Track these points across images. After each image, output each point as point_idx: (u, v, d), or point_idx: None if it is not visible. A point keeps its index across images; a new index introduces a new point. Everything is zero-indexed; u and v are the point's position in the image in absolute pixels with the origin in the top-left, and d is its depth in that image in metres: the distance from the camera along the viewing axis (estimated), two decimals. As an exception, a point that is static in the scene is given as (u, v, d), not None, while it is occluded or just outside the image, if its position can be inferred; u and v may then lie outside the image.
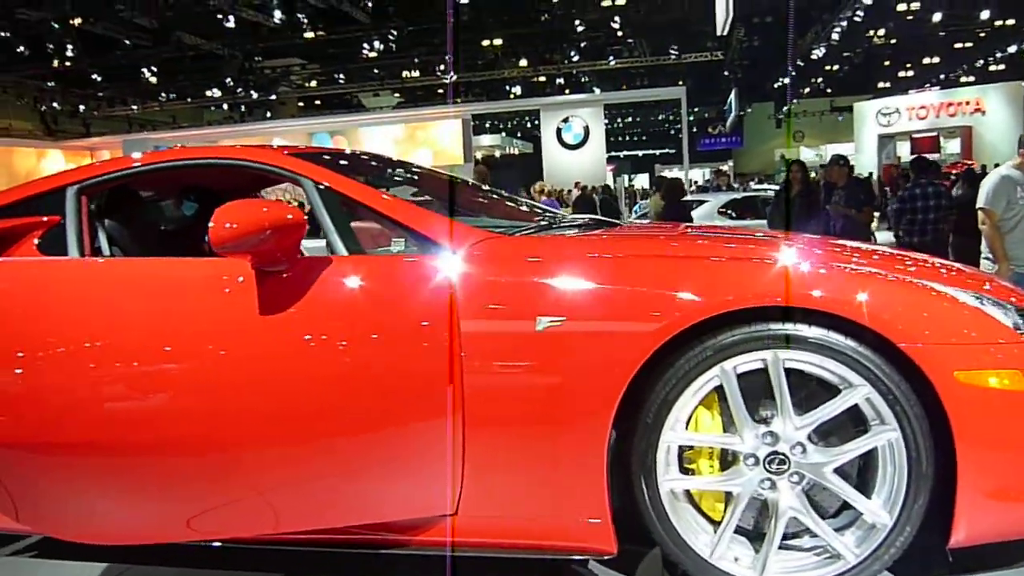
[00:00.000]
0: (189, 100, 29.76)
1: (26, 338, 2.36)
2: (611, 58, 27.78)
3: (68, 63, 22.48)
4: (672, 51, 26.62)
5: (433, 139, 27.73)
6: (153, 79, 25.95)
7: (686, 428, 2.17)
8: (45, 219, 2.70)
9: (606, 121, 44.21)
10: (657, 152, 44.08)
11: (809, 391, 2.10)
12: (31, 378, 2.33)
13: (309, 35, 23.87)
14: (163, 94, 28.43)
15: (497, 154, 37.91)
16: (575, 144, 27.37)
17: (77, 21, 19.66)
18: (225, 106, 31.40)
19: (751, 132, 41.90)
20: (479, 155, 37.18)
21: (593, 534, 2.16)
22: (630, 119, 43.90)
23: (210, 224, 2.09)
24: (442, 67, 27.89)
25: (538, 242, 2.39)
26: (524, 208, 3.32)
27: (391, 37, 23.89)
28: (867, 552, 2.09)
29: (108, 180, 2.75)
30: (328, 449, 2.22)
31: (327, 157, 2.77)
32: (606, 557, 2.16)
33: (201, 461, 2.24)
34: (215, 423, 2.21)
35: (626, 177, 34.34)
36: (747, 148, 42.16)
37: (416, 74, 28.99)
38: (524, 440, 2.17)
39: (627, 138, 47.57)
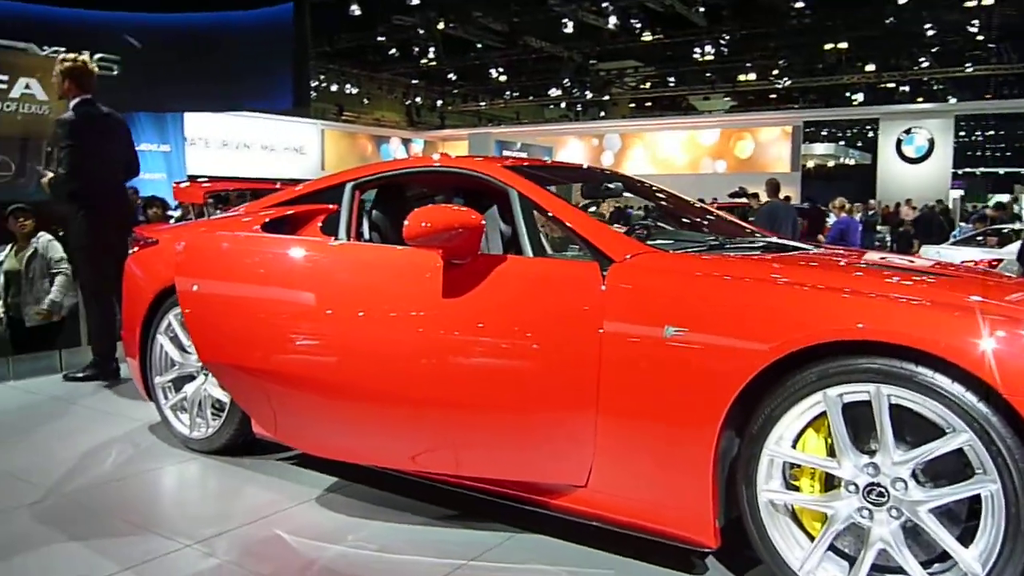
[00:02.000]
0: (531, 98, 32.04)
1: (298, 300, 3.11)
2: (968, 64, 25.03)
3: (430, 63, 25.50)
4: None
5: (753, 144, 27.16)
6: (501, 78, 28.44)
7: (793, 447, 2.29)
8: (331, 206, 3.46)
9: (962, 135, 39.93)
10: (1023, 170, 38.75)
11: (919, 430, 2.11)
12: (301, 330, 3.07)
13: (647, 37, 24.64)
14: (508, 92, 30.94)
15: (830, 164, 35.95)
16: (917, 158, 25.25)
17: (440, 25, 22.22)
18: (563, 104, 33.33)
19: None
20: (811, 164, 35.65)
21: (697, 527, 2.35)
22: (992, 132, 39.11)
23: (406, 222, 2.64)
24: (775, 72, 27.10)
25: (685, 259, 2.61)
26: (727, 228, 3.51)
27: (723, 41, 23.77)
28: (959, 598, 2.07)
29: (374, 180, 3.43)
30: (492, 414, 2.66)
31: (536, 170, 3.21)
32: (707, 550, 2.36)
33: (397, 407, 2.81)
34: (408, 381, 2.76)
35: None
36: None
37: (752, 77, 28.49)
38: (646, 432, 2.42)
39: (986, 152, 42.37)
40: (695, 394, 2.31)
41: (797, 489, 2.31)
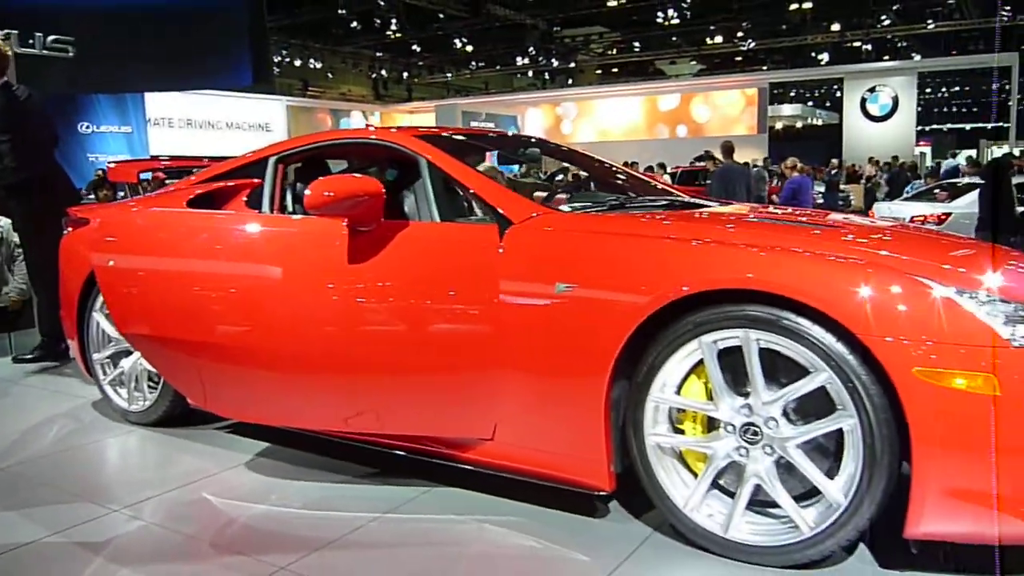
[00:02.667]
0: (498, 68, 31.90)
1: (211, 272, 3.19)
2: (930, 21, 25.16)
3: (393, 35, 25.31)
4: (1005, 11, 23.49)
5: (723, 107, 27.26)
6: (466, 48, 28.27)
7: (677, 393, 2.42)
8: (256, 181, 3.53)
9: (928, 91, 40.23)
10: (989, 126, 39.11)
11: (788, 371, 2.24)
12: (215, 300, 3.16)
13: (612, 3, 24.55)
14: (473, 63, 30.78)
15: (799, 125, 36.13)
16: (881, 116, 25.44)
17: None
18: (530, 73, 33.23)
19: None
20: (780, 125, 35.79)
21: (593, 472, 2.48)
22: (957, 88, 39.42)
23: (307, 192, 2.73)
24: (740, 34, 27.13)
25: (578, 219, 2.71)
26: (643, 189, 3.63)
27: (687, 4, 23.74)
28: (821, 527, 2.17)
29: (296, 153, 3.50)
30: (401, 374, 2.77)
31: (448, 139, 3.31)
32: (602, 493, 2.50)
33: (312, 372, 2.91)
34: (320, 346, 2.87)
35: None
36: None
37: (718, 40, 28.48)
38: (543, 385, 2.54)
39: (952, 109, 42.71)
40: (585, 347, 2.43)
41: (683, 432, 2.44)
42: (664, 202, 3.25)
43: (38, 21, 12.38)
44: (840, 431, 2.18)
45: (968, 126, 39.72)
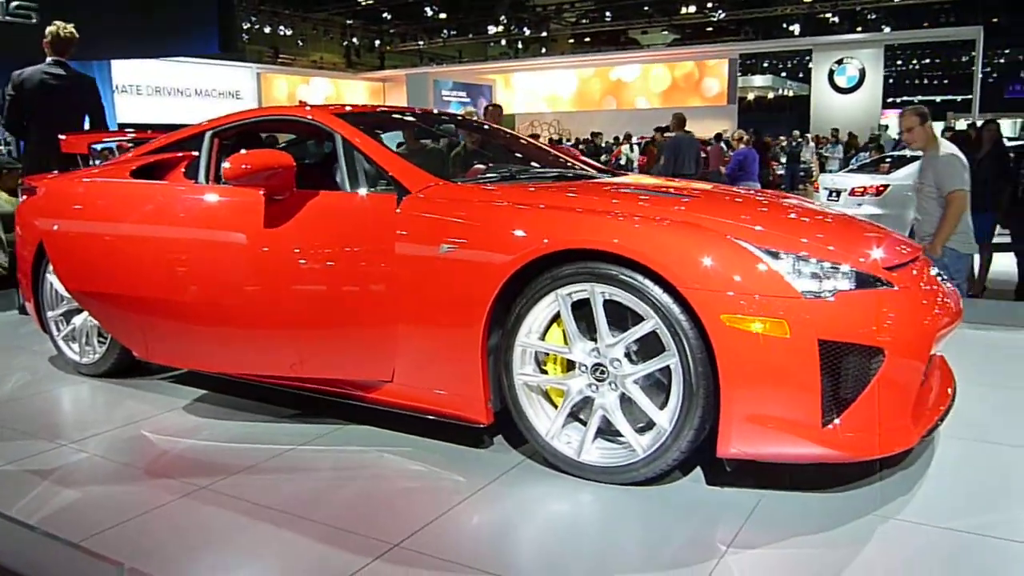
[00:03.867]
0: (471, 36, 31.98)
1: (145, 235, 3.57)
2: (897, -8, 25.54)
3: (364, 2, 25.35)
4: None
5: (695, 78, 27.58)
6: (440, 16, 28.33)
7: (542, 339, 2.82)
8: (194, 153, 3.87)
9: (899, 64, 40.65)
10: (959, 99, 39.70)
11: (628, 319, 2.64)
12: (150, 261, 3.52)
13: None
14: (445, 31, 30.83)
15: (770, 96, 36.55)
16: (848, 88, 25.87)
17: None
18: (504, 42, 33.32)
19: (1080, 78, 36.32)
20: (752, 96, 36.19)
21: (473, 408, 2.88)
22: (927, 61, 39.89)
23: (226, 164, 3.08)
24: (709, 5, 27.37)
25: (465, 189, 3.09)
26: (536, 159, 4.04)
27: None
28: (652, 449, 2.59)
29: (230, 128, 3.84)
30: (315, 325, 3.16)
31: (363, 116, 3.67)
32: (481, 425, 2.90)
33: (236, 324, 3.30)
34: (242, 301, 3.25)
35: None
36: (1071, 96, 36.66)
37: (692, 9, 28.71)
38: (432, 332, 2.93)
39: (924, 81, 43.23)
40: (465, 299, 2.83)
41: (546, 373, 2.85)
42: (554, 174, 3.63)
43: None
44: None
45: (938, 98, 40.23)
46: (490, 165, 4.05)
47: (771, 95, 35.80)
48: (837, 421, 2.47)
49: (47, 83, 5.48)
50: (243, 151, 3.10)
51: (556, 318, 2.78)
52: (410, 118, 4.51)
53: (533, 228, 2.74)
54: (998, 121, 8.26)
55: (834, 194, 11.12)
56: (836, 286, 2.53)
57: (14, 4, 13.49)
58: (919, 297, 2.76)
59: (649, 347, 2.65)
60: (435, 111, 4.85)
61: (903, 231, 10.15)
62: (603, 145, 22.05)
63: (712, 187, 3.68)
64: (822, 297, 2.48)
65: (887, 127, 24.26)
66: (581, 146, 22.08)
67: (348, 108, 3.75)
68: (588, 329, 2.73)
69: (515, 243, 2.73)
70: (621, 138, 21.56)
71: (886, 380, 2.50)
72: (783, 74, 39.72)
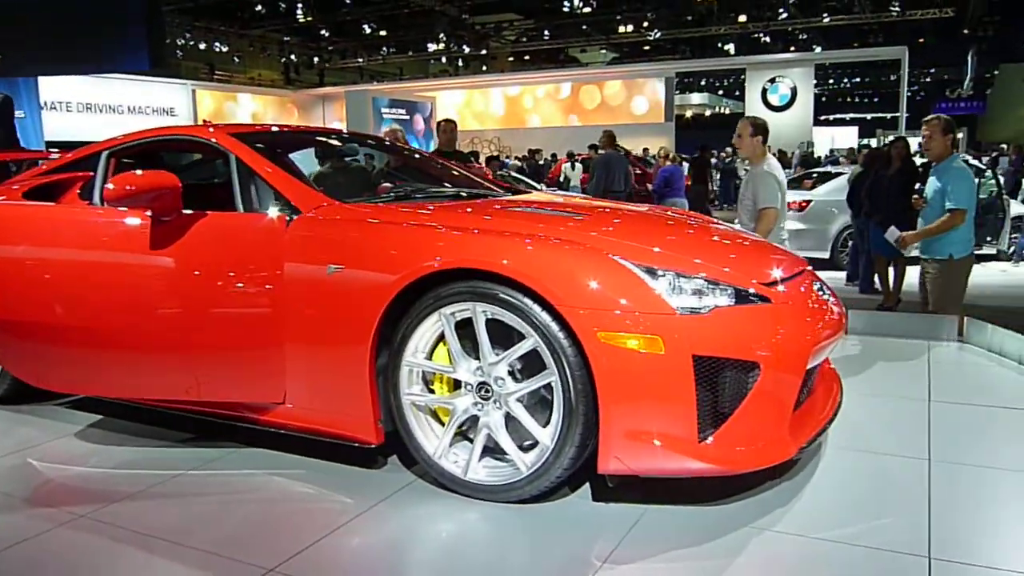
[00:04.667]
0: (410, 53, 31.99)
1: (32, 258, 3.49)
2: (825, 15, 26.32)
3: (302, 19, 25.20)
4: (894, 7, 24.74)
5: (630, 96, 28.01)
6: (379, 33, 28.27)
7: (428, 358, 2.83)
8: (90, 174, 3.79)
9: (831, 82, 41.88)
10: (888, 116, 41.02)
11: (510, 337, 2.67)
12: (42, 284, 3.44)
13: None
14: (384, 48, 30.80)
15: (707, 113, 37.35)
16: (781, 106, 26.52)
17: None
18: (444, 59, 33.42)
19: (1000, 97, 37.81)
20: (690, 113, 36.96)
21: (362, 428, 2.87)
22: (858, 79, 41.16)
23: (109, 186, 3.03)
24: (645, 24, 27.85)
25: (354, 209, 3.10)
26: (442, 178, 4.07)
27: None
28: (535, 467, 2.61)
29: (126, 147, 3.78)
30: (204, 347, 3.11)
31: (259, 136, 3.65)
32: (371, 446, 2.89)
33: (125, 348, 3.24)
34: (130, 324, 3.19)
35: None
36: (993, 115, 38.11)
37: (629, 28, 29.16)
38: (320, 354, 2.92)
39: (852, 100, 44.61)
40: (352, 320, 2.82)
41: (434, 392, 2.85)
42: (451, 193, 3.66)
43: None
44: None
45: (869, 115, 41.53)
46: (395, 184, 4.05)
47: (708, 112, 36.56)
48: (713, 436, 2.52)
49: None
50: (128, 172, 3.04)
51: (442, 338, 2.79)
52: (316, 137, 4.49)
53: (416, 248, 2.75)
54: (906, 138, 8.51)
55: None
56: (713, 302, 2.58)
57: (-60, 21, 13.05)
58: (798, 311, 2.83)
59: (534, 365, 2.66)
60: (342, 130, 4.81)
61: (825, 245, 10.52)
62: (542, 163, 22.19)
63: (608, 205, 3.74)
64: (698, 313, 2.53)
65: (812, 144, 24.99)
66: (520, 163, 22.24)
67: (242, 127, 3.71)
68: (474, 348, 2.74)
69: (399, 263, 2.73)
70: (562, 156, 21.72)
71: (762, 394, 2.56)
72: (720, 92, 40.64)
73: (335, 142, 4.38)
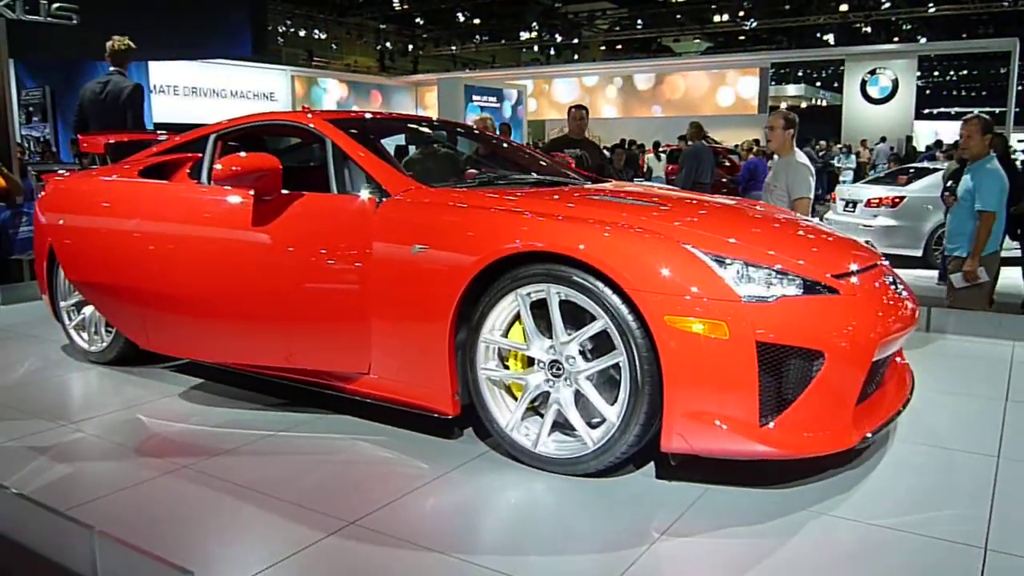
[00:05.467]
0: (503, 42, 32.23)
1: (143, 230, 3.80)
2: (930, 5, 25.30)
3: (398, 6, 25.72)
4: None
5: (714, 88, 27.56)
6: (475, 21, 28.59)
7: (505, 336, 2.98)
8: (199, 155, 4.09)
9: (936, 74, 40.17)
10: (997, 111, 39.07)
11: (582, 318, 2.78)
12: (146, 255, 3.75)
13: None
14: (477, 36, 31.10)
15: (803, 105, 36.29)
16: (880, 98, 25.68)
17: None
18: (536, 48, 33.55)
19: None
20: (783, 105, 36.00)
21: (441, 400, 3.04)
22: (965, 72, 39.36)
23: (217, 166, 3.28)
24: (741, 13, 27.33)
25: (439, 193, 3.26)
26: (527, 166, 4.21)
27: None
28: (601, 442, 2.72)
29: (232, 132, 4.05)
30: (300, 318, 3.34)
31: (354, 122, 3.85)
32: (448, 416, 3.06)
33: (228, 316, 3.50)
34: (233, 294, 3.45)
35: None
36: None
37: (725, 18, 28.68)
38: (404, 328, 3.10)
39: (959, 93, 42.64)
40: (433, 297, 2.99)
41: (509, 368, 3.01)
42: (533, 180, 3.79)
43: None
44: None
45: (975, 110, 39.58)
46: (481, 171, 4.22)
47: (804, 104, 35.56)
48: (775, 420, 2.59)
49: (95, 93, 6.16)
50: (234, 154, 3.29)
51: (518, 317, 2.94)
52: (407, 124, 4.69)
53: (495, 231, 2.90)
54: (1002, 133, 8.20)
55: (850, 205, 11.13)
56: (780, 292, 2.65)
57: (55, 6, 14.03)
58: (867, 304, 2.87)
59: (603, 346, 2.78)
60: (433, 118, 5.02)
61: (918, 243, 10.22)
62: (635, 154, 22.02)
63: (693, 197, 3.82)
64: (764, 301, 2.60)
65: (910, 138, 24.11)
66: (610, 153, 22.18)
67: (339, 114, 3.93)
68: (548, 328, 2.87)
69: (479, 245, 2.89)
70: (648, 146, 21.60)
71: (825, 382, 2.63)
72: (818, 84, 39.50)
73: (425, 129, 4.57)
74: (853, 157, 20.06)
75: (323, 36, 28.61)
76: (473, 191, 3.37)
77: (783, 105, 35.35)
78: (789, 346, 2.59)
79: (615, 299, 2.65)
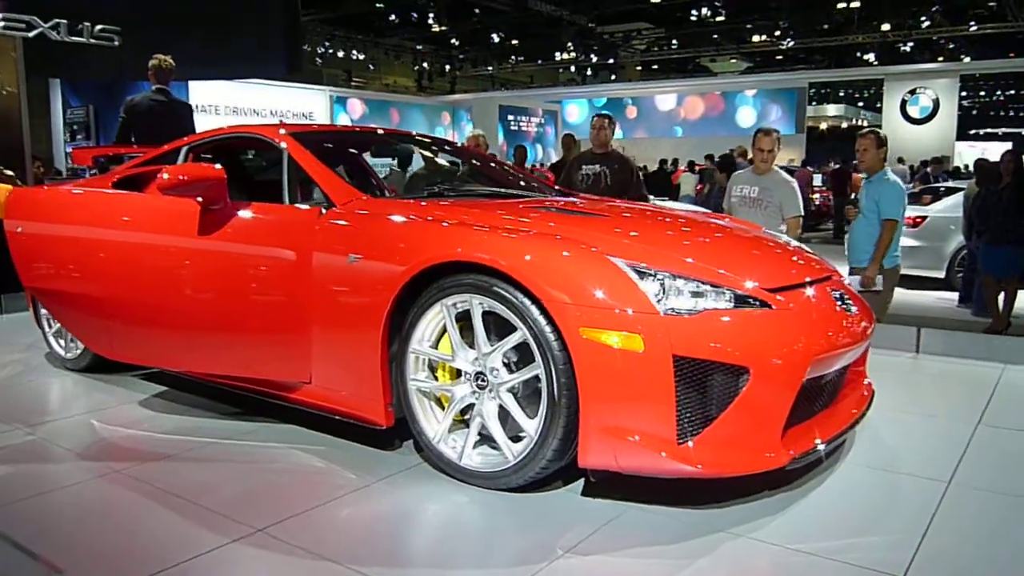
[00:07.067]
0: (539, 62, 32.37)
1: (109, 240, 3.86)
2: (972, 23, 24.78)
3: (436, 28, 26.01)
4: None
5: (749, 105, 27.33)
6: (511, 42, 28.76)
7: (433, 347, 2.95)
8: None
9: (982, 94, 39.22)
10: (1048, 131, 38.01)
11: (505, 329, 2.75)
12: (104, 262, 3.81)
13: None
14: (513, 56, 31.29)
15: (843, 125, 35.78)
16: (921, 118, 25.22)
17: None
18: (573, 68, 33.60)
19: None
20: (825, 125, 35.58)
21: (373, 409, 3.02)
22: (1012, 92, 38.36)
23: (164, 175, 3.32)
24: (777, 33, 27.07)
25: (380, 203, 3.26)
26: (499, 180, 4.21)
27: (718, 3, 23.87)
28: (521, 456, 2.67)
29: (200, 144, 4.12)
30: (236, 321, 3.36)
31: (313, 135, 3.89)
32: (381, 428, 3.04)
33: (175, 324, 3.54)
34: (178, 303, 3.49)
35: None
36: None
37: (763, 38, 28.43)
38: (339, 337, 3.09)
39: (1006, 113, 41.57)
40: (366, 307, 2.99)
41: (438, 379, 2.98)
42: (486, 192, 3.78)
43: (86, 11, 13.66)
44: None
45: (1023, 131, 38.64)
46: (440, 184, 4.21)
47: (844, 124, 35.07)
48: (695, 438, 2.52)
49: (153, 108, 6.20)
50: (182, 164, 3.34)
51: (446, 329, 2.91)
52: (374, 138, 4.72)
53: (421, 242, 2.89)
54: (1019, 151, 7.95)
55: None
56: (706, 305, 2.59)
57: (98, 28, 14.56)
58: (801, 318, 2.78)
59: (527, 358, 2.74)
60: (399, 131, 5.04)
61: (940, 264, 9.96)
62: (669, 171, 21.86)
63: (645, 208, 3.77)
64: (685, 315, 2.54)
65: (946, 158, 23.60)
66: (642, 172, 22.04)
67: (299, 127, 3.96)
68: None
69: (408, 255, 2.88)
70: (683, 165, 21.47)
71: (750, 400, 2.55)
72: (860, 104, 38.90)
73: (393, 142, 4.59)
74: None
75: (361, 57, 29.02)
76: (412, 202, 3.36)
77: (823, 125, 35.02)
78: (710, 361, 2.52)
79: (534, 310, 2.62)
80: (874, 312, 5.11)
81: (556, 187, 4.47)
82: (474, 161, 4.56)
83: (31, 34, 13.94)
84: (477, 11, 25.12)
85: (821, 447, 2.76)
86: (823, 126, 34.43)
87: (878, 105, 37.69)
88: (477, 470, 2.83)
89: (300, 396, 3.30)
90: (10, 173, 6.74)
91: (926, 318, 5.88)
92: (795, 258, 3.26)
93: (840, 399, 3.14)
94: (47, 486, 2.84)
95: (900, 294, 9.49)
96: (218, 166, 3.36)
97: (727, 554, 2.39)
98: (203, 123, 19.81)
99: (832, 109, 34.94)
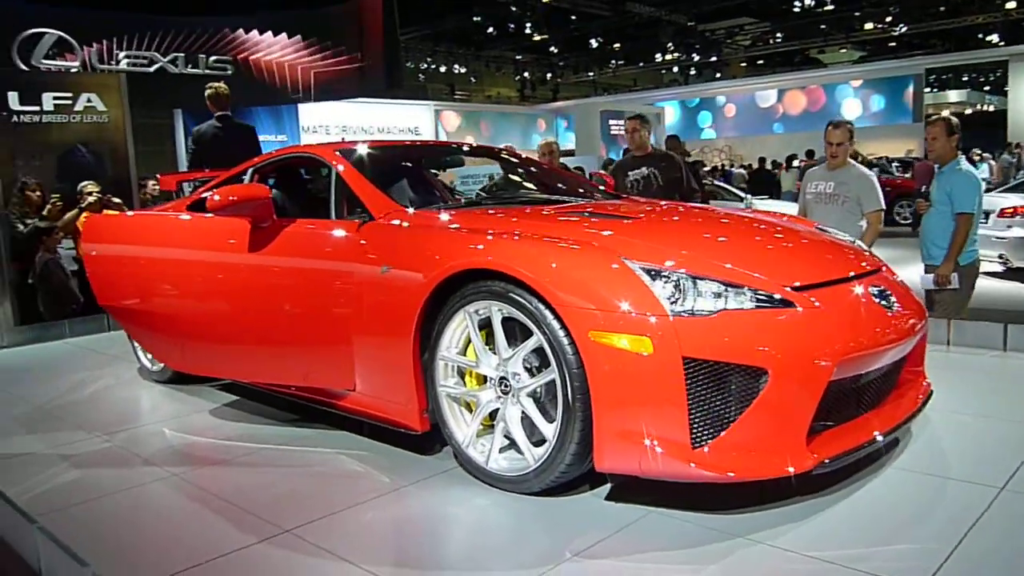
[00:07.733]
0: (641, 64, 32.08)
1: (162, 258, 4.15)
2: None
3: (535, 37, 26.23)
4: None
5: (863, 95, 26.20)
6: (611, 46, 28.68)
7: (460, 353, 3.00)
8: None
9: None
10: None
11: (524, 335, 2.77)
12: (165, 282, 4.09)
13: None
14: (613, 60, 31.14)
15: (967, 111, 33.76)
16: (1051, 101, 23.58)
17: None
18: (675, 68, 33.13)
19: None
20: (947, 112, 33.62)
21: (409, 415, 3.10)
22: None
23: (215, 196, 3.51)
24: (888, 19, 25.86)
25: (415, 215, 3.35)
26: (548, 187, 4.25)
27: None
28: (541, 461, 2.68)
29: (264, 165, 4.34)
30: (286, 333, 3.53)
31: (361, 152, 4.02)
32: (418, 433, 3.12)
33: (232, 332, 3.75)
34: (235, 311, 3.70)
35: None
36: None
37: (875, 25, 27.26)
38: (377, 345, 3.19)
39: None
40: (398, 316, 3.08)
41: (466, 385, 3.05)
42: (525, 199, 3.83)
43: (201, 43, 14.77)
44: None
45: None
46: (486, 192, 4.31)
47: (968, 110, 33.07)
48: (711, 442, 2.48)
49: (217, 135, 6.63)
50: (230, 185, 3.55)
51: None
52: (425, 150, 4.84)
53: (444, 251, 2.97)
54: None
55: (983, 216, 10.24)
56: (724, 305, 2.55)
57: (212, 59, 15.57)
58: (830, 317, 2.70)
59: (548, 362, 2.76)
60: (454, 144, 5.15)
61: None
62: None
63: (681, 207, 3.73)
64: (699, 316, 2.51)
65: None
66: (745, 172, 21.55)
67: (348, 144, 4.11)
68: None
69: (432, 265, 2.96)
70: (783, 162, 20.86)
71: (769, 402, 2.49)
72: (986, 88, 36.64)
73: (443, 154, 4.70)
74: (985, 167, 18.54)
75: (463, 70, 29.58)
76: (435, 212, 3.44)
77: (945, 112, 33.14)
78: (724, 363, 2.48)
79: (547, 315, 2.65)
80: (952, 310, 4.89)
81: (602, 190, 4.46)
82: (522, 169, 4.62)
83: (151, 68, 15.08)
84: (574, 17, 25.14)
85: (855, 451, 2.67)
86: (945, 113, 32.58)
87: (1005, 89, 35.54)
88: (503, 474, 2.88)
89: (347, 403, 3.43)
90: (117, 201, 7.25)
91: (1016, 312, 5.50)
92: (836, 254, 3.16)
93: (888, 401, 3.01)
94: (108, 489, 3.07)
95: (997, 287, 8.91)
96: (268, 184, 3.55)
97: (738, 561, 2.33)
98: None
99: (954, 95, 33.05)
